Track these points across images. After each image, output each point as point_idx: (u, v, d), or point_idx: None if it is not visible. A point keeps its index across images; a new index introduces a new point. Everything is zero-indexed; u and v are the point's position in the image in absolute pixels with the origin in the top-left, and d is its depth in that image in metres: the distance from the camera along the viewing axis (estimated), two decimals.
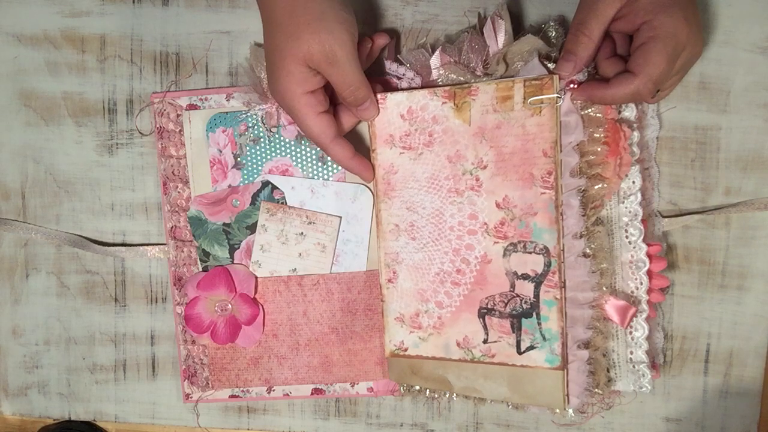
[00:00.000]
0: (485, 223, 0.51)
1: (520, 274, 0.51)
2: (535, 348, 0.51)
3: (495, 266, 0.51)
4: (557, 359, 0.50)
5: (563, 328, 0.50)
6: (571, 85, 0.49)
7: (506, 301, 0.51)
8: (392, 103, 0.53)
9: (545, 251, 0.49)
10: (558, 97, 0.48)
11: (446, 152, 0.52)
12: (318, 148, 0.56)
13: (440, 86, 0.52)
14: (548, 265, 0.50)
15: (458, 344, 0.53)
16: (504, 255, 0.51)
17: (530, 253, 0.50)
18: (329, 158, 0.57)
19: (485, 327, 0.52)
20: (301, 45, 0.46)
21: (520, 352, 0.51)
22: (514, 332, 0.51)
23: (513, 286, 0.51)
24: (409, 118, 0.53)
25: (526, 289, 0.50)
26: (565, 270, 0.49)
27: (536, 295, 0.50)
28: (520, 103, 0.49)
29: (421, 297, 0.54)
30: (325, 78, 0.48)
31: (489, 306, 0.52)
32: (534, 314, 0.50)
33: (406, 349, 0.55)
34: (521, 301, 0.51)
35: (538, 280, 0.50)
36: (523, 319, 0.51)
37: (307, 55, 0.46)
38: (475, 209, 0.52)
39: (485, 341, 0.52)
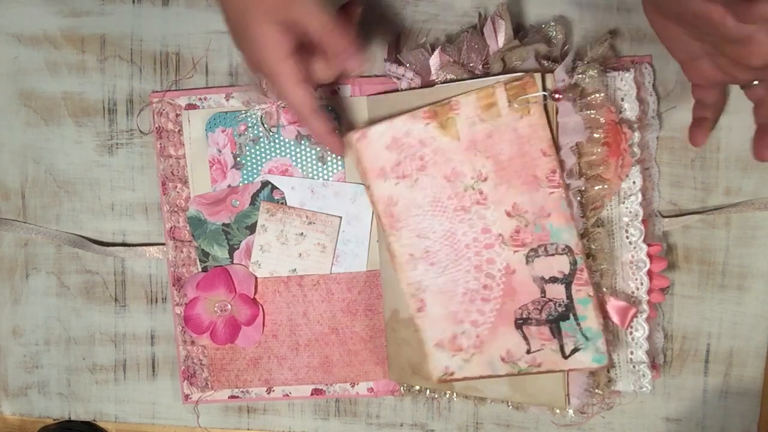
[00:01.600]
0: (500, 235, 0.50)
1: (548, 278, 0.49)
2: (579, 350, 0.49)
3: (521, 275, 0.50)
4: (604, 357, 0.49)
5: (603, 324, 0.48)
6: (556, 95, 0.48)
7: (540, 308, 0.50)
8: (374, 136, 0.51)
9: (568, 250, 0.48)
10: (543, 95, 0.47)
11: (442, 172, 0.51)
12: (318, 148, 0.56)
13: (418, 108, 0.50)
14: (574, 263, 0.48)
15: (503, 359, 0.51)
16: (527, 262, 0.50)
17: (553, 255, 0.49)
18: (329, 158, 0.57)
19: (525, 337, 0.51)
20: (259, 2, 0.43)
21: (565, 357, 0.50)
22: (555, 337, 0.50)
23: (543, 291, 0.50)
24: (395, 148, 0.51)
25: (558, 291, 0.49)
26: None
27: (569, 296, 0.49)
28: (506, 107, 0.48)
29: (454, 319, 0.52)
30: (299, 32, 0.45)
31: (524, 316, 0.50)
32: (571, 315, 0.49)
33: (452, 373, 0.53)
34: (555, 305, 0.49)
35: (567, 281, 0.49)
36: (561, 323, 0.49)
37: (267, 7, 0.43)
38: (486, 222, 0.50)
39: (528, 351, 0.51)
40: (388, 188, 0.52)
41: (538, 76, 0.47)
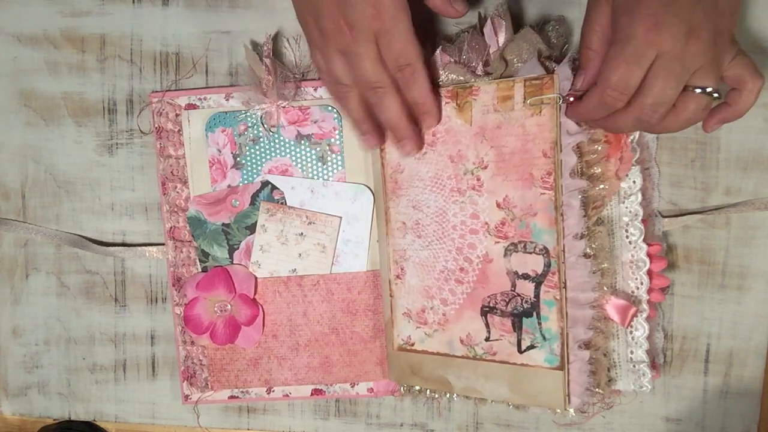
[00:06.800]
0: (486, 223, 0.52)
1: (520, 273, 0.51)
2: (535, 347, 0.51)
3: (496, 265, 0.52)
4: (556, 359, 0.50)
5: (563, 329, 0.50)
6: (570, 99, 0.48)
7: (507, 300, 0.51)
8: None
9: (545, 252, 0.50)
10: (558, 96, 0.48)
11: (449, 152, 0.52)
12: (318, 148, 0.56)
13: (443, 86, 0.52)
14: (548, 265, 0.50)
15: (461, 341, 0.54)
16: (505, 255, 0.51)
17: (530, 253, 0.50)
18: (329, 158, 0.57)
19: (487, 325, 0.53)
20: None
21: (520, 351, 0.51)
22: (515, 331, 0.51)
23: (514, 285, 0.51)
24: None
25: (527, 288, 0.51)
26: (566, 270, 0.49)
27: (536, 295, 0.50)
28: (521, 102, 0.49)
29: (426, 294, 0.55)
30: None
31: (491, 305, 0.52)
32: (534, 314, 0.50)
33: (413, 344, 0.56)
34: (522, 300, 0.51)
35: (538, 280, 0.50)
36: (524, 319, 0.51)
37: None
38: (477, 209, 0.52)
39: (487, 339, 0.53)
40: (399, 155, 0.54)
41: (556, 77, 0.48)
